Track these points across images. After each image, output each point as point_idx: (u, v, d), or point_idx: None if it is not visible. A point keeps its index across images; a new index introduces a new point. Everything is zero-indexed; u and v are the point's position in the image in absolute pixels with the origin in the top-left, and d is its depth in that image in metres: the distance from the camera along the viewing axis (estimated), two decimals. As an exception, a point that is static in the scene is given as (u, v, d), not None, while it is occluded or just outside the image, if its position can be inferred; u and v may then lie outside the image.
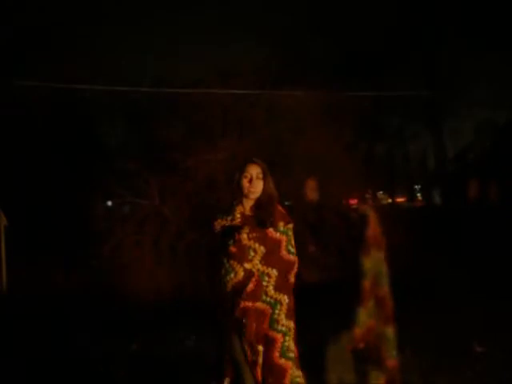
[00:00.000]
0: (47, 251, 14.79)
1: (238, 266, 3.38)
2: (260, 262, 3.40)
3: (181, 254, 12.40)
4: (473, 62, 23.22)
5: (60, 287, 13.53)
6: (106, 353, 7.12)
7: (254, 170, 3.52)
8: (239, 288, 3.37)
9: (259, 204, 3.54)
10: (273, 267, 3.42)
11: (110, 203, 13.86)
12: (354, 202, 16.33)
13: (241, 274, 3.38)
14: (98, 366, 6.43)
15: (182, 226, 12.67)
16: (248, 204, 3.56)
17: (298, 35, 23.52)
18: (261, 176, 3.52)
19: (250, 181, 3.50)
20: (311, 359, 6.15)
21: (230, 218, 3.51)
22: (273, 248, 3.43)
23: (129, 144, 19.23)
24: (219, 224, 3.52)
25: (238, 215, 3.51)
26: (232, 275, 3.38)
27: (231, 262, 3.39)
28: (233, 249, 3.38)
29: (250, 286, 3.36)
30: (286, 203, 13.66)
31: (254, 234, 3.41)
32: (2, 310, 11.51)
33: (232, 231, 3.42)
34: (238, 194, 3.56)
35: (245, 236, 3.39)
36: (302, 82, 13.35)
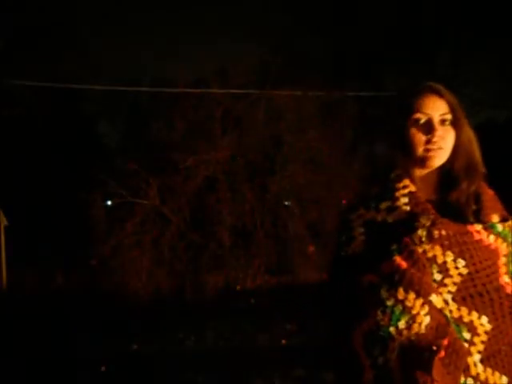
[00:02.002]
0: (47, 251, 14.80)
1: (418, 301, 1.50)
2: (454, 296, 1.56)
3: (181, 253, 12.40)
4: (473, 61, 23.24)
5: (60, 287, 13.54)
6: (105, 353, 7.12)
7: (436, 108, 1.63)
8: (421, 351, 1.51)
9: (449, 177, 1.67)
10: (482, 311, 1.56)
11: (109, 203, 13.86)
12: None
13: (423, 319, 1.50)
14: (97, 366, 6.43)
15: (182, 226, 12.67)
16: (424, 177, 1.66)
17: (298, 35, 23.52)
18: (449, 119, 1.63)
19: (430, 130, 1.60)
20: (312, 359, 6.16)
21: (384, 206, 1.62)
22: (485, 266, 1.59)
23: (129, 144, 19.24)
24: (361, 218, 1.63)
25: (404, 199, 1.61)
26: (402, 322, 1.50)
27: (399, 293, 1.50)
28: (402, 263, 1.52)
29: (443, 352, 1.50)
30: (286, 203, 13.68)
31: (444, 233, 1.55)
32: (2, 309, 11.51)
33: (394, 230, 1.58)
34: (402, 158, 1.65)
35: (422, 236, 1.55)
36: (302, 82, 13.34)
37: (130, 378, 6.15)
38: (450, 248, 1.56)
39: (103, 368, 6.36)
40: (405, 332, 1.51)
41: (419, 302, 1.51)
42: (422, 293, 1.51)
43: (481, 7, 21.76)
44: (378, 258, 1.57)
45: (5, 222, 15.35)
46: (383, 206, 1.63)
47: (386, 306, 1.51)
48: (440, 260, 1.56)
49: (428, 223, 1.56)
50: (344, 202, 15.00)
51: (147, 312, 10.00)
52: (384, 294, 1.52)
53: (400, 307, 1.51)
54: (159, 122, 13.72)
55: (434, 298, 1.53)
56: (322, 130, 13.52)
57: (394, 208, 1.63)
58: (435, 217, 1.58)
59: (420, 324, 1.50)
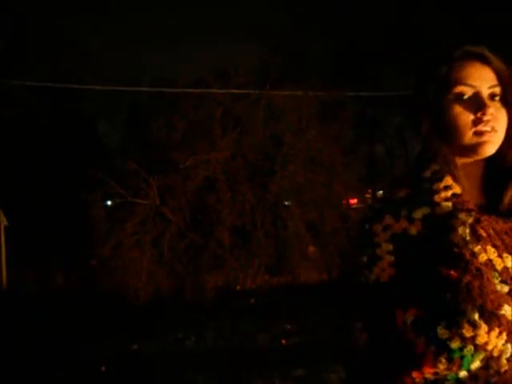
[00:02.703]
0: (47, 251, 14.80)
1: (493, 333, 1.08)
2: None
3: (181, 254, 12.41)
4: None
5: (60, 287, 13.54)
6: (105, 353, 7.12)
7: (484, 79, 1.22)
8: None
9: (495, 172, 1.26)
10: None
11: (109, 203, 13.87)
12: (353, 201, 16.36)
13: (503, 350, 1.10)
14: (97, 366, 6.43)
15: (182, 226, 12.67)
16: (468, 173, 1.24)
17: (298, 35, 23.54)
18: (498, 93, 1.22)
19: (479, 106, 1.19)
20: (312, 358, 6.16)
21: (420, 215, 1.18)
22: None
23: (129, 144, 19.24)
24: (389, 230, 1.19)
25: (447, 205, 1.18)
26: (477, 363, 1.11)
27: (464, 328, 1.08)
28: (463, 278, 1.11)
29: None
30: (286, 203, 13.68)
31: (492, 231, 1.16)
32: (2, 309, 11.51)
33: (437, 240, 1.15)
34: (440, 148, 1.23)
35: (465, 234, 1.14)
36: (302, 82, 13.35)
37: (130, 378, 6.15)
38: (505, 249, 1.16)
39: (103, 368, 6.36)
40: (481, 374, 1.11)
41: (494, 333, 1.08)
42: (490, 307, 1.09)
43: (481, 7, 21.76)
44: (412, 288, 1.15)
45: (5, 222, 15.35)
46: (418, 214, 1.19)
47: (452, 351, 1.09)
48: (499, 265, 1.13)
49: (470, 220, 1.15)
50: (344, 201, 15.03)
51: (147, 312, 10.00)
52: (443, 332, 1.09)
53: (471, 348, 1.09)
54: (159, 122, 13.72)
55: (507, 310, 1.10)
56: (321, 130, 13.53)
57: (433, 217, 1.18)
58: (479, 214, 1.17)
59: (499, 358, 1.11)
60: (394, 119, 29.00)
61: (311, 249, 13.35)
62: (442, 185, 1.20)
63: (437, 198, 1.19)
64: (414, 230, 1.18)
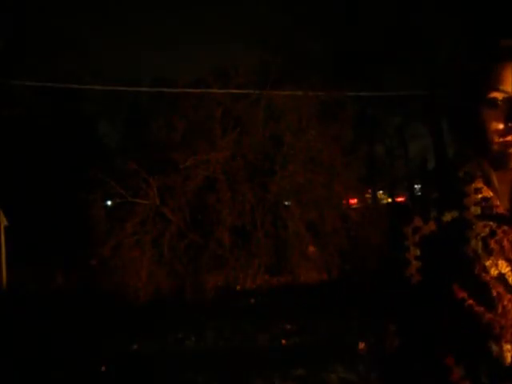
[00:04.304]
0: (47, 251, 14.80)
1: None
2: None
3: (181, 254, 12.41)
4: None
5: (60, 287, 13.54)
6: (105, 353, 7.12)
7: None
8: None
9: None
10: None
11: (109, 203, 13.86)
12: (353, 201, 16.35)
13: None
14: (97, 366, 6.43)
15: (182, 226, 12.67)
16: (502, 178, 1.16)
17: (298, 35, 23.53)
18: None
19: (510, 115, 1.11)
20: (312, 358, 6.16)
21: (449, 218, 1.16)
22: None
23: (129, 144, 19.25)
24: (418, 233, 1.18)
25: (476, 210, 1.15)
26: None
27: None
28: (460, 293, 1.12)
29: None
30: (286, 203, 13.68)
31: (507, 244, 1.11)
32: (2, 309, 11.51)
33: (460, 247, 1.13)
34: (471, 153, 1.19)
35: (477, 247, 1.12)
36: (302, 82, 13.35)
37: (130, 378, 6.15)
38: None
39: (103, 368, 6.36)
40: None
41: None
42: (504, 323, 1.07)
43: (480, 7, 21.76)
44: (438, 295, 1.12)
45: (5, 222, 15.35)
46: (447, 216, 1.16)
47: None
48: None
49: (484, 232, 1.12)
50: (344, 201, 15.02)
51: (147, 312, 10.00)
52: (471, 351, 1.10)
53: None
54: (159, 122, 13.72)
55: None
56: (321, 129, 13.53)
57: (459, 222, 1.14)
58: (500, 224, 1.12)
59: None
60: (394, 119, 29.01)
61: (311, 249, 13.35)
62: (472, 187, 1.16)
63: (466, 201, 1.15)
64: (440, 234, 1.15)
